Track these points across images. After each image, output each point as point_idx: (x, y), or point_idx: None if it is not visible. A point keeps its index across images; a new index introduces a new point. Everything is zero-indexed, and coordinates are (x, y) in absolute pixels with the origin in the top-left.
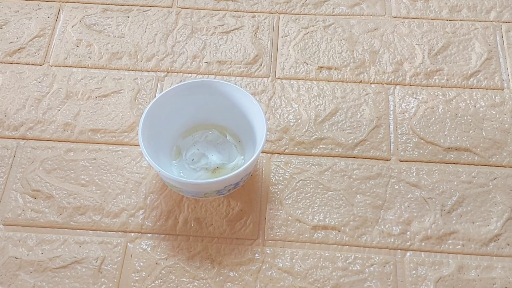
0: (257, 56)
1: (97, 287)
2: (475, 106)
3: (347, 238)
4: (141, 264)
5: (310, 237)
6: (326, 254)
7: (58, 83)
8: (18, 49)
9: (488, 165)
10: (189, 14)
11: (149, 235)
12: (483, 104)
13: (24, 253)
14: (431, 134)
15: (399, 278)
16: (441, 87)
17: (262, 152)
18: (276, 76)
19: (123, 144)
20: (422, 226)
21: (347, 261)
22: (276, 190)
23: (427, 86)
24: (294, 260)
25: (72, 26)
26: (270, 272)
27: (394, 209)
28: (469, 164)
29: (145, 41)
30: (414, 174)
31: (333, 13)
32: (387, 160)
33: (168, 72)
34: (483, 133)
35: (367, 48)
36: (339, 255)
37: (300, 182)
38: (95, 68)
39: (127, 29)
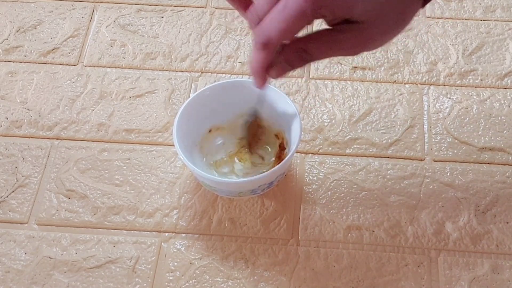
0: None
1: (131, 287)
2: (509, 106)
3: (381, 238)
4: (175, 264)
5: (344, 237)
6: (360, 254)
7: (92, 83)
8: (52, 49)
9: None
10: (223, 14)
11: (183, 235)
12: None
13: (58, 253)
14: (465, 134)
15: (433, 278)
16: (475, 87)
17: (296, 152)
18: (310, 76)
19: (157, 144)
20: (456, 226)
21: (381, 261)
22: (310, 190)
23: (461, 86)
24: (328, 260)
25: (106, 27)
26: (304, 272)
27: (428, 209)
28: (503, 164)
29: (179, 41)
30: (448, 174)
31: None
32: (421, 160)
33: (202, 72)
34: None
35: (401, 48)
36: (373, 255)
37: (334, 182)
38: (129, 68)
39: (161, 29)
